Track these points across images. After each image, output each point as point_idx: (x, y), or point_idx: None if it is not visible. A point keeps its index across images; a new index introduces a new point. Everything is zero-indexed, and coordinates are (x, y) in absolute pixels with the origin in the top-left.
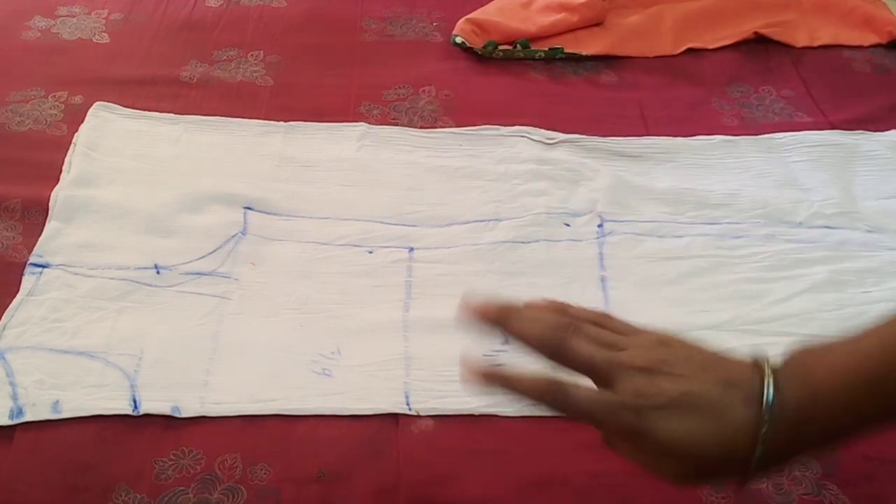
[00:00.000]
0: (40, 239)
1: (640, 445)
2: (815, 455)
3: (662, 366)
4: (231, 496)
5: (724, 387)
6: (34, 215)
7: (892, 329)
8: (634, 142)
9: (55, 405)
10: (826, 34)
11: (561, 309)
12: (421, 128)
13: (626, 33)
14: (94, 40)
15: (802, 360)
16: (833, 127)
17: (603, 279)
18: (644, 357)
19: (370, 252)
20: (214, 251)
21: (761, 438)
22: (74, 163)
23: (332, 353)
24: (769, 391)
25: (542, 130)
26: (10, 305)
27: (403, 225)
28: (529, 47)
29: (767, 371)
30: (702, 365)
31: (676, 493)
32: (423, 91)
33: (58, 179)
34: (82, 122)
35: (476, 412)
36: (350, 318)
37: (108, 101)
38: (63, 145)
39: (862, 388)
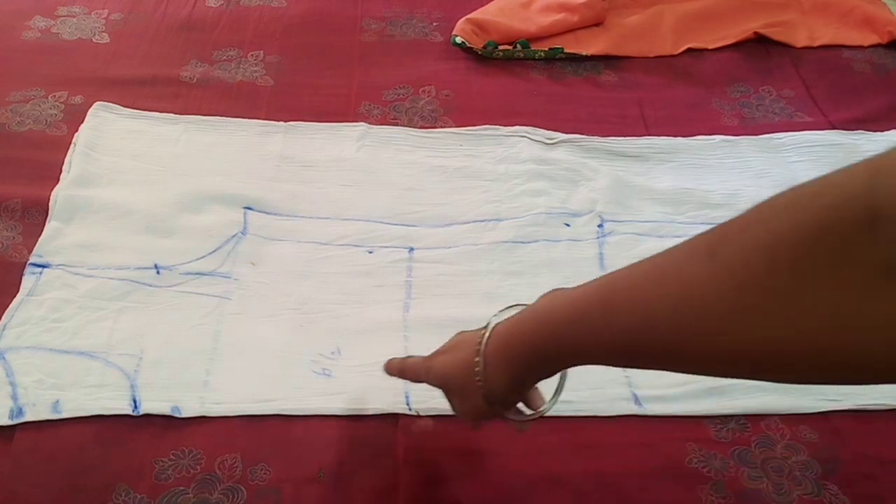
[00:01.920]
0: (40, 239)
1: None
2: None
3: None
4: (231, 496)
5: (469, 337)
6: (34, 215)
7: (542, 303)
8: (634, 142)
9: (55, 405)
10: (826, 34)
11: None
12: (421, 128)
13: (626, 33)
14: (94, 40)
15: (505, 323)
16: (833, 127)
17: None
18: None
19: (370, 252)
20: (214, 251)
21: (481, 365)
22: (74, 163)
23: (332, 353)
24: (485, 339)
25: (542, 130)
26: (10, 305)
27: (403, 225)
28: (529, 47)
29: (490, 328)
30: (468, 333)
31: (675, 493)
32: (423, 91)
33: (58, 179)
34: (82, 122)
35: None
36: (350, 318)
37: (108, 101)
38: (63, 145)
39: (525, 344)
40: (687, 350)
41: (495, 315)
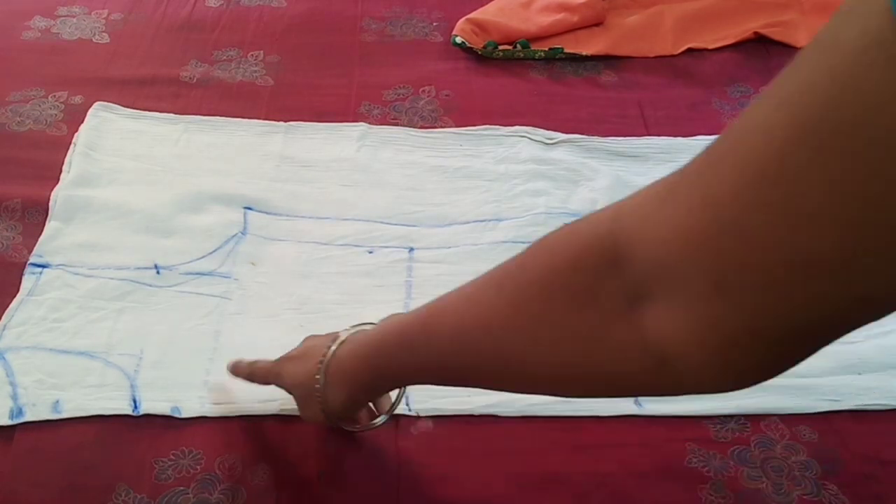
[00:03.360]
0: (40, 239)
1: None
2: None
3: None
4: (231, 496)
5: (316, 347)
6: (34, 215)
7: (379, 327)
8: (634, 142)
9: (55, 405)
10: None
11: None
12: (421, 128)
13: (626, 33)
14: (94, 40)
15: (347, 344)
16: None
17: None
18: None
19: (370, 252)
20: (214, 251)
21: (321, 383)
22: (74, 163)
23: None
24: (327, 357)
25: (542, 130)
26: (10, 305)
27: (403, 225)
28: (529, 47)
29: (333, 348)
30: (316, 340)
31: (675, 493)
32: (423, 91)
33: (58, 179)
34: (82, 122)
35: (475, 412)
36: (350, 318)
37: (108, 101)
38: (63, 145)
39: (359, 367)
40: (496, 369)
41: (345, 330)
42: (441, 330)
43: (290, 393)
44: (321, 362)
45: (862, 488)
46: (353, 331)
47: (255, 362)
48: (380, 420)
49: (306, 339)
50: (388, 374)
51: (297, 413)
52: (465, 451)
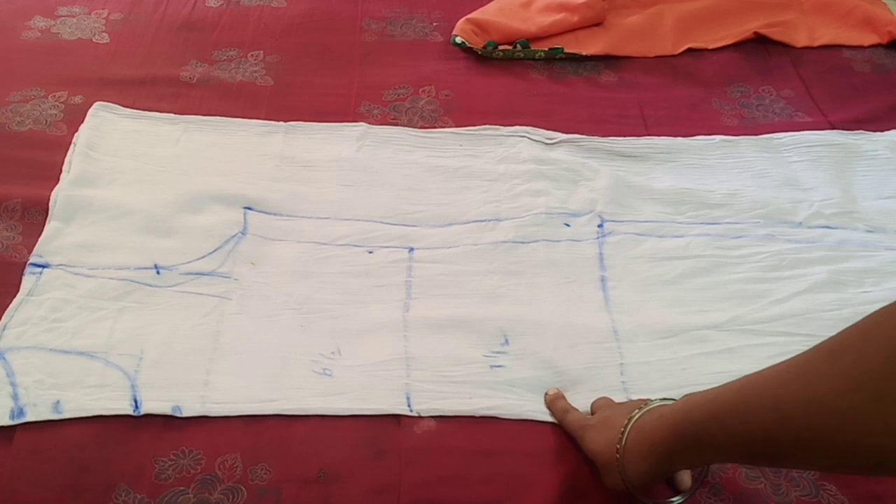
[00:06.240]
0: (40, 239)
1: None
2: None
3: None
4: (231, 496)
5: (616, 417)
6: (34, 215)
7: (680, 404)
8: (634, 142)
9: (56, 405)
10: (826, 34)
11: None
12: (421, 128)
13: (626, 33)
14: (94, 40)
15: (645, 418)
16: (833, 127)
17: (603, 279)
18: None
19: (370, 252)
20: (214, 251)
21: (621, 452)
22: (74, 163)
23: (332, 353)
24: (626, 432)
25: (542, 130)
26: (10, 305)
27: (403, 225)
28: (529, 47)
29: (642, 411)
30: (618, 409)
31: (674, 494)
32: (423, 91)
33: (58, 179)
34: (82, 122)
35: (477, 413)
36: (350, 318)
37: (108, 101)
38: (63, 145)
39: (663, 440)
40: (817, 445)
41: (639, 410)
42: (759, 407)
43: (593, 460)
44: (622, 432)
45: (861, 488)
46: (656, 403)
47: (569, 411)
48: (677, 499)
49: (604, 403)
50: (692, 445)
51: (298, 413)
52: (466, 451)
